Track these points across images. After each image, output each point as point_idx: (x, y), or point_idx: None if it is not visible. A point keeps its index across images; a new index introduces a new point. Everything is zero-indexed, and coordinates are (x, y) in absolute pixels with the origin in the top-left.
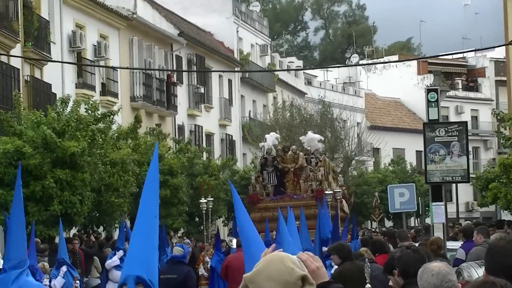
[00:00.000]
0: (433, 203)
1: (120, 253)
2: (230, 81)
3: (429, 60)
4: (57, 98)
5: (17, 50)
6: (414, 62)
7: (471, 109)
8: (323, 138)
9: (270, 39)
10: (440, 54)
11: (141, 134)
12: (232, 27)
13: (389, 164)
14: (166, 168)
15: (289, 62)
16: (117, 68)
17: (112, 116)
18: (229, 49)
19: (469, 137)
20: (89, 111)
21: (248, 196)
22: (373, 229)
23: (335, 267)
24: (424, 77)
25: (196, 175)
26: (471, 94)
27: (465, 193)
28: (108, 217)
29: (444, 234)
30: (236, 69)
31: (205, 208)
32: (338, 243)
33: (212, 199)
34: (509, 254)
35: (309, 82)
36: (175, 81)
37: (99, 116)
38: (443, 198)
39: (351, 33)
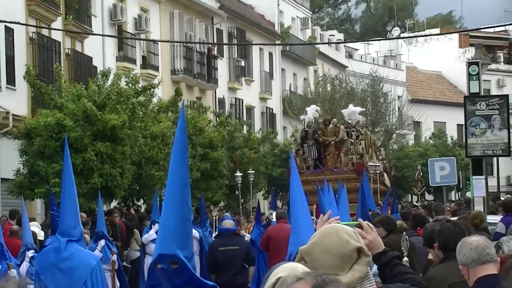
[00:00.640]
0: (474, 177)
1: (156, 226)
2: (270, 55)
3: (471, 33)
4: (98, 71)
5: (58, 23)
6: (456, 35)
7: None
8: (364, 110)
9: (311, 12)
10: (482, 27)
11: None
12: (273, 0)
13: (430, 138)
14: (207, 141)
15: (330, 36)
16: (158, 41)
17: (152, 89)
18: (270, 22)
19: (511, 111)
20: (130, 84)
21: (287, 169)
22: (413, 203)
23: None
24: (465, 50)
25: (236, 148)
26: None
27: (506, 167)
28: (148, 190)
29: (484, 208)
30: (276, 42)
31: (240, 182)
32: (385, 215)
33: (252, 172)
34: None
35: (350, 56)
36: (216, 54)
37: (139, 89)
38: (483, 171)
39: (392, 6)
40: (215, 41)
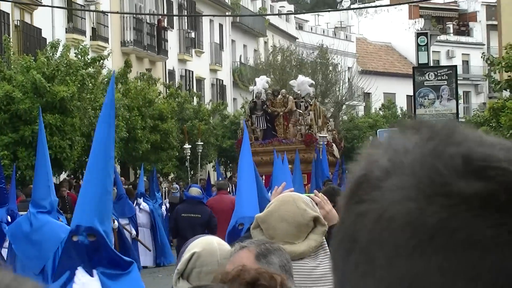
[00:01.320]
0: None
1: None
2: (221, 26)
3: (421, 5)
4: (47, 43)
5: None
6: (406, 6)
7: (462, 54)
8: (314, 82)
9: None
10: None
11: (131, 79)
12: None
13: (380, 109)
14: (156, 113)
15: (280, 7)
16: (108, 12)
17: (102, 61)
18: None
19: (460, 82)
20: (79, 56)
21: (237, 140)
22: None
23: None
24: (415, 22)
25: (186, 120)
26: (463, 39)
27: None
28: None
29: None
30: (227, 13)
31: (189, 154)
32: (330, 186)
33: (201, 143)
34: None
35: (300, 27)
36: (166, 26)
37: (89, 61)
38: None
39: None
40: (165, 13)
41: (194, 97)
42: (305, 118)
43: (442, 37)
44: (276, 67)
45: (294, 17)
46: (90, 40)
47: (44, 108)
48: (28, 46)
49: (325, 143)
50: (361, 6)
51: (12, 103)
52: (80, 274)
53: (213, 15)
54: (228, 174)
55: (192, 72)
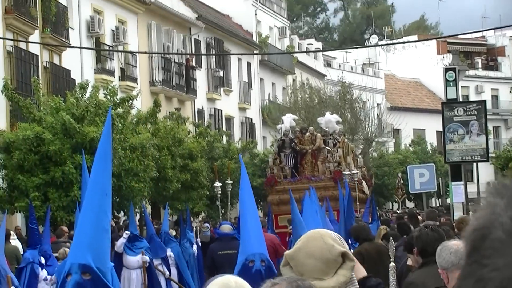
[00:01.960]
0: (453, 183)
1: (125, 234)
2: (249, 64)
3: (449, 40)
4: (76, 84)
5: (35, 36)
6: (433, 42)
7: (491, 88)
8: (340, 120)
9: (288, 21)
10: (459, 33)
11: (161, 119)
12: (250, 9)
13: (410, 145)
14: (186, 152)
15: (308, 44)
16: (136, 52)
17: (131, 101)
18: (248, 32)
19: (489, 117)
20: (108, 96)
21: (266, 178)
22: (394, 210)
23: None
24: (443, 57)
25: (216, 158)
26: (491, 73)
27: (486, 172)
28: (128, 202)
29: (463, 213)
30: (255, 52)
31: (220, 192)
32: (358, 224)
33: (231, 182)
34: None
35: (328, 64)
36: (194, 65)
37: (118, 101)
38: (462, 177)
39: (370, 14)
40: (193, 52)
41: (224, 136)
42: (334, 155)
43: (471, 72)
44: (301, 105)
45: (322, 54)
46: (119, 80)
47: (74, 149)
48: (57, 87)
49: (356, 179)
50: (389, 42)
51: (42, 144)
52: None
53: (241, 54)
54: (260, 213)
55: (221, 110)
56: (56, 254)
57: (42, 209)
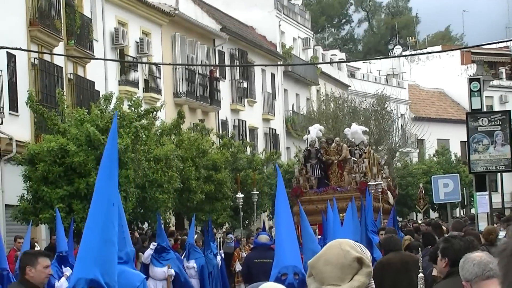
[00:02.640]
0: (477, 193)
1: (152, 245)
2: (273, 75)
3: (473, 50)
4: (100, 96)
5: (60, 48)
6: (457, 53)
7: None
8: (367, 130)
9: (312, 32)
10: (483, 43)
11: (185, 130)
12: (274, 21)
13: (434, 155)
14: (210, 163)
15: (331, 55)
16: (160, 64)
17: (155, 112)
18: (272, 43)
19: None
20: (132, 108)
21: (291, 189)
22: (417, 221)
23: None
24: (467, 67)
25: (240, 169)
26: None
27: (510, 182)
28: (152, 213)
29: (488, 223)
30: (278, 63)
31: (242, 203)
32: (390, 235)
33: (256, 192)
34: None
35: (352, 75)
36: (218, 76)
37: (142, 113)
38: (487, 187)
39: (394, 25)
40: (217, 63)
41: (248, 147)
42: (360, 166)
43: (495, 82)
44: (328, 115)
45: (346, 65)
46: (143, 92)
47: (98, 161)
48: (82, 99)
49: (380, 190)
50: (413, 53)
51: (67, 156)
52: None
53: (265, 65)
54: None
55: (245, 121)
56: None
57: (67, 220)
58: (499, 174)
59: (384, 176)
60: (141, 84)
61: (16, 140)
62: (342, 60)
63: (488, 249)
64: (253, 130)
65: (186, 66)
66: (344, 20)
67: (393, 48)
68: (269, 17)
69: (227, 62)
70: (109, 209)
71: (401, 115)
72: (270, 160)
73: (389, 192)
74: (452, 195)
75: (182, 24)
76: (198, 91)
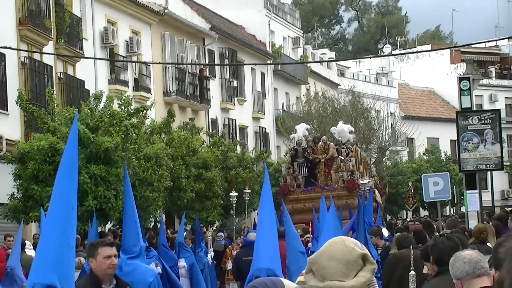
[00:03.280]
0: (467, 191)
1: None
2: (262, 74)
3: (462, 49)
4: (90, 94)
5: (49, 47)
6: (447, 52)
7: (505, 97)
8: (353, 129)
9: (302, 32)
10: (473, 42)
11: (175, 129)
12: (264, 20)
13: (424, 154)
14: (200, 161)
15: (321, 54)
16: (150, 63)
17: (145, 111)
18: (261, 42)
19: (504, 125)
20: (122, 107)
21: (279, 187)
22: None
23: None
24: (457, 66)
25: (230, 168)
26: (505, 82)
27: (500, 181)
28: (142, 212)
29: (478, 222)
30: (268, 62)
31: (235, 201)
32: (403, 234)
33: (249, 191)
34: None
35: (342, 74)
36: (208, 75)
37: (132, 111)
38: (477, 186)
39: (384, 24)
40: (206, 62)
41: (238, 146)
42: (347, 165)
43: (485, 81)
44: (314, 114)
45: (336, 64)
46: (133, 90)
47: (88, 159)
48: (72, 98)
49: (368, 188)
50: (403, 52)
51: (57, 154)
52: None
53: (255, 64)
54: None
55: (235, 120)
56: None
57: None
58: (489, 173)
59: (371, 174)
60: (131, 83)
61: (6, 139)
62: (332, 59)
63: (479, 247)
64: (243, 129)
65: (176, 65)
66: (334, 20)
67: (382, 47)
68: (259, 16)
69: (217, 61)
70: (68, 212)
71: (391, 113)
72: (260, 159)
73: (376, 191)
74: (442, 193)
75: (171, 23)
76: (188, 90)
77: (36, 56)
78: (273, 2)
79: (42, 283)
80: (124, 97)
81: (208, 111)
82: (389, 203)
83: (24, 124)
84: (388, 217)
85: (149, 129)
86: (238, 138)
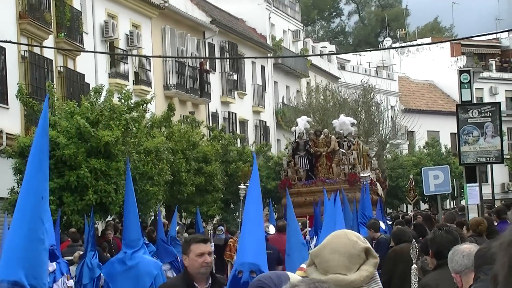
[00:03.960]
0: (468, 184)
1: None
2: (263, 67)
3: (462, 42)
4: (91, 88)
5: (50, 41)
6: (447, 44)
7: (506, 90)
8: (355, 122)
9: (302, 25)
10: (473, 35)
11: (175, 122)
12: (264, 13)
13: (424, 147)
14: (201, 155)
15: (321, 47)
16: (150, 56)
17: (145, 105)
18: (262, 36)
19: (504, 118)
20: (123, 100)
21: (280, 181)
22: (404, 212)
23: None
24: (457, 59)
25: (230, 162)
26: (505, 75)
27: (501, 174)
28: (143, 206)
29: (478, 215)
30: (268, 55)
31: (242, 195)
32: (399, 228)
33: (245, 186)
34: None
35: (342, 67)
36: (208, 68)
37: (132, 105)
38: (477, 179)
39: (384, 17)
40: (207, 56)
41: (238, 139)
42: (348, 158)
43: (485, 74)
44: (315, 107)
45: (336, 57)
46: (133, 84)
47: (89, 153)
48: (72, 92)
49: (369, 182)
50: (403, 45)
51: (57, 148)
52: None
53: (255, 57)
54: (274, 215)
55: (235, 114)
56: (69, 258)
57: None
58: (489, 166)
59: (373, 167)
60: (131, 77)
61: (6, 133)
62: (332, 52)
63: (477, 240)
64: (243, 123)
65: (176, 59)
66: (334, 13)
67: (383, 40)
68: (259, 9)
69: (217, 54)
70: (37, 203)
71: (391, 107)
72: (261, 152)
73: (378, 184)
74: (443, 186)
75: (172, 17)
76: (188, 83)
77: (36, 50)
78: None
79: (8, 279)
80: (124, 91)
81: (208, 105)
82: (390, 196)
83: (24, 118)
84: (389, 210)
85: (149, 123)
86: (238, 132)
